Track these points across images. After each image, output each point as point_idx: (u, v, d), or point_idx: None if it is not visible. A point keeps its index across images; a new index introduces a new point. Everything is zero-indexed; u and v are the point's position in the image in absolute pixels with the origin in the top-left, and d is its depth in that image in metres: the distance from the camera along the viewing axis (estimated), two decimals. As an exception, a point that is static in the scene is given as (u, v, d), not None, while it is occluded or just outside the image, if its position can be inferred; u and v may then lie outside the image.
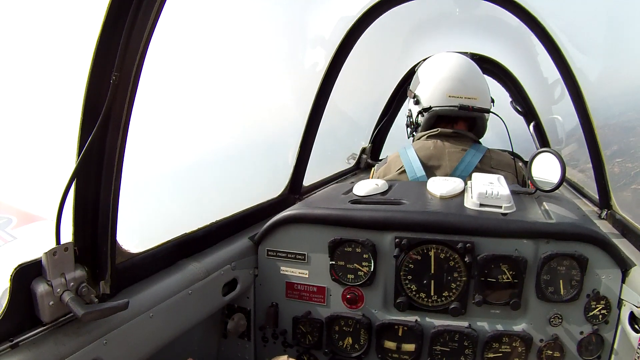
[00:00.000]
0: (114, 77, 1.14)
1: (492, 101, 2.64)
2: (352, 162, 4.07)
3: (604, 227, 2.16)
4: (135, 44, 1.15)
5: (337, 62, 2.69)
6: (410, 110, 2.70)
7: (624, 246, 1.88)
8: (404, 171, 2.44)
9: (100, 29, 1.12)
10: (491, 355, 1.78)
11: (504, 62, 3.82)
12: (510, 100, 3.77)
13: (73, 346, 1.22)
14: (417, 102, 2.58)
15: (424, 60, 2.77)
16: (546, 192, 1.99)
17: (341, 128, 3.92)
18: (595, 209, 2.54)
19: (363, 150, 4.12)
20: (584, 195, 2.94)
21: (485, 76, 2.70)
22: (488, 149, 2.46)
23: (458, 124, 2.53)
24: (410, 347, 1.84)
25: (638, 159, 2.56)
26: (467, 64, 2.55)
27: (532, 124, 3.68)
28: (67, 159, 1.20)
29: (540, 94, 3.80)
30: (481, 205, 1.82)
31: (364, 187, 2.13)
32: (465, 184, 2.05)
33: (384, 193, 2.10)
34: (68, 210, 1.23)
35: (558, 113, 3.68)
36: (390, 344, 1.86)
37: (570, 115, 2.73)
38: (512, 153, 2.55)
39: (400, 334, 1.85)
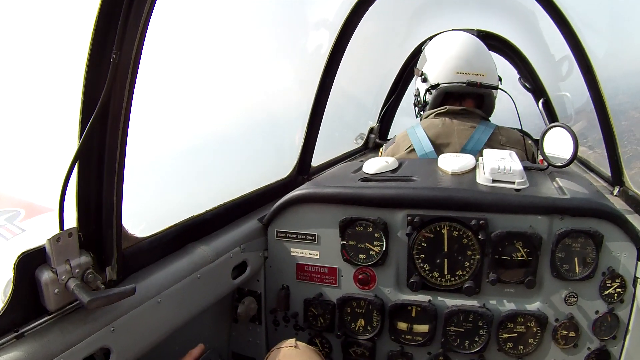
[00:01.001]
0: (113, 56, 1.09)
1: (500, 79, 2.62)
2: (360, 142, 4.04)
3: (617, 204, 2.12)
4: (135, 20, 1.10)
5: (342, 41, 2.65)
6: (417, 88, 2.70)
7: (638, 223, 1.84)
8: (413, 150, 2.41)
9: (99, 5, 1.08)
10: (506, 335, 1.75)
11: (511, 39, 3.76)
12: (519, 77, 3.72)
13: (80, 334, 1.19)
14: (424, 80, 2.57)
15: (431, 38, 2.76)
16: (558, 168, 1.94)
17: (348, 108, 3.90)
18: (607, 185, 2.49)
19: (371, 130, 4.09)
20: (595, 172, 2.89)
21: (492, 53, 2.66)
22: (497, 126, 2.43)
23: (466, 102, 2.51)
24: (423, 327, 1.82)
25: (630, 142, 2.51)
26: (474, 42, 2.54)
27: (541, 101, 3.62)
28: (70, 147, 1.17)
29: (548, 70, 3.74)
30: (494, 181, 1.78)
31: (373, 165, 2.10)
32: (477, 160, 2.01)
33: (394, 170, 2.07)
34: (71, 196, 1.20)
35: (566, 90, 3.63)
36: (403, 325, 1.84)
37: (578, 93, 2.68)
38: (521, 130, 2.52)
39: (413, 314, 1.82)
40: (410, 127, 2.53)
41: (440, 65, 2.50)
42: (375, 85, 4.11)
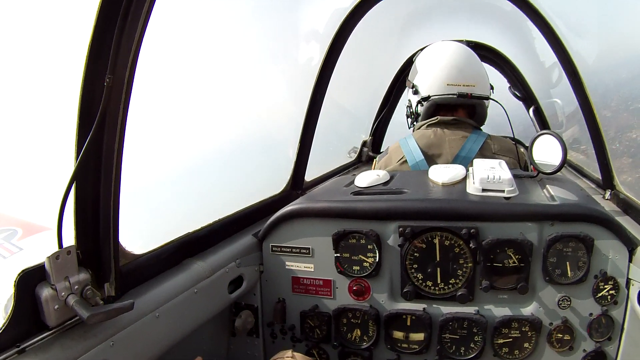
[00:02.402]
0: (107, 80, 1.14)
1: (492, 88, 2.64)
2: (354, 156, 4.07)
3: (609, 208, 2.15)
4: (127, 44, 1.14)
5: (333, 55, 2.69)
6: (409, 100, 2.71)
7: (630, 225, 1.87)
8: (405, 161, 2.43)
9: (92, 31, 1.12)
10: (501, 340, 1.77)
11: (500, 48, 3.80)
12: (509, 86, 3.76)
13: (80, 349, 1.21)
14: (415, 92, 2.59)
15: (421, 50, 2.77)
16: (548, 175, 1.98)
17: (341, 122, 3.92)
18: (599, 190, 2.52)
19: (364, 143, 4.11)
20: (587, 177, 2.92)
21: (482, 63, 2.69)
22: (489, 135, 2.45)
23: (458, 112, 2.53)
24: (419, 336, 1.83)
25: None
26: (464, 52, 2.55)
27: (531, 109, 3.67)
28: (67, 165, 1.20)
29: (538, 78, 3.79)
30: (483, 190, 1.80)
31: (365, 178, 2.12)
32: (467, 170, 2.04)
33: (385, 183, 2.09)
34: (70, 214, 1.23)
35: (557, 96, 3.67)
36: (399, 334, 1.86)
37: (569, 99, 2.71)
38: (513, 139, 2.54)
39: (408, 323, 1.84)
40: (402, 138, 2.55)
41: (431, 77, 2.51)
42: (367, 99, 4.14)
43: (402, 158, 2.45)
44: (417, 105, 2.60)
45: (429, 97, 2.50)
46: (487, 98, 2.54)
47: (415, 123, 2.66)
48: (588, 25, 2.59)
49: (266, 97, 2.66)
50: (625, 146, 2.38)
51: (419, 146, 2.41)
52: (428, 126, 2.49)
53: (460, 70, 2.47)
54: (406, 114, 2.79)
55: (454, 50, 2.55)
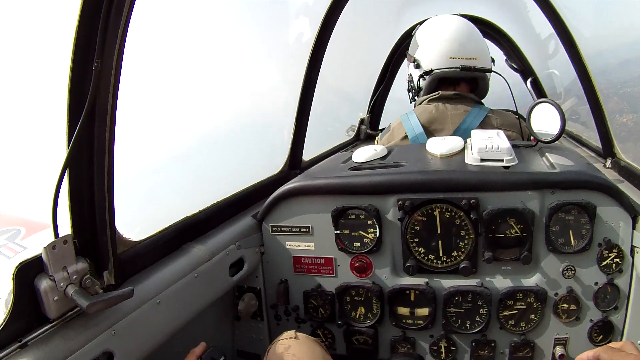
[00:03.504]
0: (95, 64, 1.12)
1: (492, 61, 2.62)
2: (352, 134, 4.05)
3: (611, 176, 2.12)
4: (114, 29, 1.13)
5: (326, 31, 2.66)
6: (410, 74, 2.68)
7: (633, 192, 1.85)
8: (407, 137, 2.42)
9: (78, 16, 1.10)
10: (506, 313, 1.76)
11: (495, 20, 3.76)
12: (505, 58, 3.71)
13: (82, 340, 1.21)
14: (417, 66, 2.56)
15: (421, 23, 2.73)
16: (547, 143, 1.95)
17: (338, 101, 3.89)
18: (600, 159, 2.50)
19: (362, 121, 4.09)
20: (587, 146, 2.90)
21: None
22: (491, 109, 2.43)
23: (460, 86, 2.52)
24: (424, 311, 1.83)
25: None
26: (466, 26, 2.54)
27: (529, 80, 3.62)
28: (59, 156, 1.18)
29: (535, 49, 3.76)
30: (482, 160, 1.79)
31: (362, 153, 2.12)
32: (465, 142, 2.02)
33: (383, 158, 2.08)
34: (64, 203, 1.22)
35: (555, 67, 3.63)
36: (403, 310, 1.86)
37: (567, 70, 2.68)
38: (516, 113, 2.53)
39: (412, 298, 1.83)
40: (404, 114, 2.53)
41: (434, 51, 2.48)
42: (363, 75, 4.11)
43: (404, 134, 2.44)
44: (419, 80, 2.57)
45: (431, 70, 2.47)
46: (490, 71, 2.53)
47: (416, 98, 2.65)
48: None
49: (262, 80, 2.63)
50: (615, 130, 2.35)
51: (420, 122, 2.40)
52: (429, 101, 2.48)
53: (463, 44, 2.45)
54: (407, 89, 2.77)
55: (456, 23, 2.52)
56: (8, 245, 2.17)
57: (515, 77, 3.78)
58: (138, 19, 1.20)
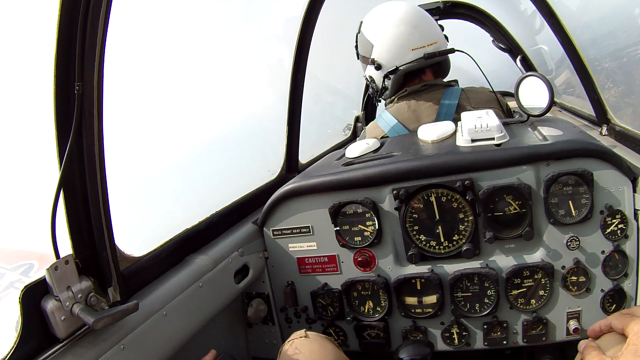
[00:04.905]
0: (77, 87, 1.15)
1: (446, 38, 2.50)
2: (349, 133, 4.06)
3: (608, 143, 2.10)
4: (91, 52, 1.15)
5: (307, 30, 2.66)
6: (371, 76, 2.49)
7: (631, 156, 1.82)
8: (387, 136, 2.36)
9: (55, 44, 1.12)
10: (515, 292, 1.74)
11: (475, 2, 3.74)
12: (492, 39, 3.71)
13: (92, 356, 1.23)
14: (378, 67, 2.40)
15: (362, 22, 2.51)
16: (538, 117, 1.95)
17: (332, 102, 3.89)
18: (595, 127, 2.48)
19: (357, 119, 4.09)
20: (582, 116, 2.88)
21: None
22: (462, 89, 2.36)
23: (425, 74, 2.43)
24: (431, 299, 1.82)
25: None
26: (415, 10, 2.38)
27: (518, 58, 3.62)
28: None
29: (521, 27, 3.74)
30: (473, 140, 1.79)
31: (355, 148, 2.11)
32: (456, 125, 2.01)
33: (375, 151, 2.08)
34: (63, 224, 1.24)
35: (542, 42, 3.62)
36: (411, 300, 1.85)
37: (556, 44, 2.67)
38: (490, 89, 2.47)
39: (418, 287, 1.83)
40: (377, 117, 2.45)
41: (392, 47, 2.32)
42: (355, 74, 4.10)
43: (383, 134, 2.38)
44: (383, 80, 2.43)
45: (397, 68, 2.34)
46: (453, 51, 2.41)
47: (381, 99, 2.54)
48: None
49: (248, 89, 2.65)
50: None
51: (398, 121, 2.34)
52: (399, 99, 2.40)
53: (421, 31, 2.32)
54: (370, 93, 2.63)
55: (405, 11, 2.34)
56: (22, 279, 2.20)
57: (506, 56, 3.80)
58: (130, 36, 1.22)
